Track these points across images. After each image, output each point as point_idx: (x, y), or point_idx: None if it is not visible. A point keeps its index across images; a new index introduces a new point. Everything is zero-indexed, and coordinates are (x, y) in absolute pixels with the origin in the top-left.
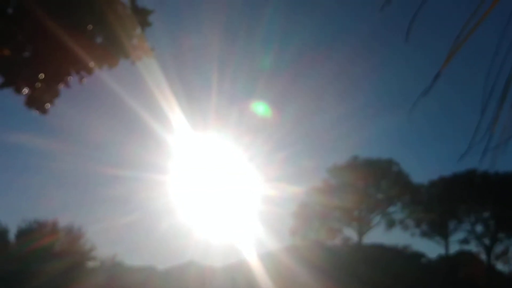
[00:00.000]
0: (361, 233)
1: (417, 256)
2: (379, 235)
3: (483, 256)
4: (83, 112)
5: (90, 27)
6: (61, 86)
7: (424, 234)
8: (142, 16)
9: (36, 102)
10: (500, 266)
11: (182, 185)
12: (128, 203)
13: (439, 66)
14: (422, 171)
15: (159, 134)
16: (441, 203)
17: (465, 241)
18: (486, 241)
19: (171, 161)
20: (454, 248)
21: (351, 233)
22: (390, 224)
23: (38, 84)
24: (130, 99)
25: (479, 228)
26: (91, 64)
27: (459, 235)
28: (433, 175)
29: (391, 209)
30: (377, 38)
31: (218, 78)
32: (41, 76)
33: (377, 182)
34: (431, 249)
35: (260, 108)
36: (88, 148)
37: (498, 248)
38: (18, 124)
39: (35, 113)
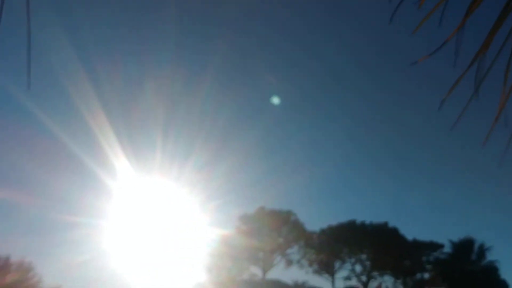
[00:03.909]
0: (265, 270)
1: None
2: (279, 272)
3: None
4: (42, 167)
5: None
6: None
7: (315, 272)
8: None
9: None
10: None
11: (126, 227)
12: (81, 245)
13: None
14: (316, 220)
15: (109, 187)
16: (328, 246)
17: (347, 278)
18: (364, 278)
19: (118, 208)
20: (339, 284)
21: (257, 270)
22: (289, 263)
23: None
24: (85, 157)
25: (358, 267)
26: None
27: (343, 273)
28: (323, 224)
29: (289, 251)
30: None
31: (161, 139)
32: None
33: (279, 229)
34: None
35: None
36: (48, 198)
37: (373, 284)
38: None
39: None
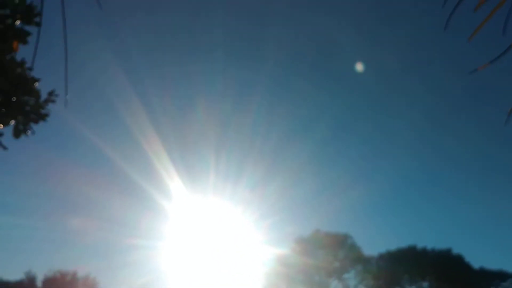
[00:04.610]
0: None
1: None
2: None
3: None
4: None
5: None
6: None
7: None
8: None
9: None
10: None
11: (183, 248)
12: (140, 267)
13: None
14: (373, 244)
15: (165, 209)
16: (387, 272)
17: None
18: None
19: (175, 229)
20: None
21: None
22: None
23: None
24: (142, 181)
25: None
26: None
27: None
28: (381, 248)
29: (346, 275)
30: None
31: (214, 159)
32: None
33: (335, 252)
34: None
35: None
36: (109, 222)
37: None
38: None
39: None
